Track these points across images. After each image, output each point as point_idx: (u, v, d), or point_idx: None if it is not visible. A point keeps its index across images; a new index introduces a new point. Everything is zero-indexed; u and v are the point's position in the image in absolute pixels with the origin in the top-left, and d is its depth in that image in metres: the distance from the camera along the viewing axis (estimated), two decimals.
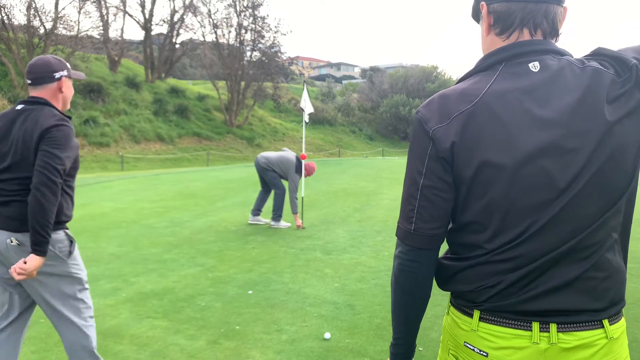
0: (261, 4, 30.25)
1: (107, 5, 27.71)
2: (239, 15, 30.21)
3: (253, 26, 30.33)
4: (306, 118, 7.54)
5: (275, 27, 33.79)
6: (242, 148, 28.34)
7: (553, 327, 0.97)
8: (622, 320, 1.03)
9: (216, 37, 30.38)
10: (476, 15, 1.11)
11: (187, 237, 6.25)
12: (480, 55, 1.11)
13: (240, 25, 30.27)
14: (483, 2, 1.06)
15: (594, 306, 0.98)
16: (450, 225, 1.08)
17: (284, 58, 34.48)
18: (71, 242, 2.31)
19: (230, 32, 31.31)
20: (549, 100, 0.96)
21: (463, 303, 1.07)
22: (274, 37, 30.75)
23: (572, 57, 1.03)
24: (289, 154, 6.94)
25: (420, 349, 3.11)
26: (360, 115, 41.27)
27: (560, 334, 0.97)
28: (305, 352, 3.06)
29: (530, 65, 1.00)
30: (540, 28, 1.02)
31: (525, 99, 0.97)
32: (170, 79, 33.39)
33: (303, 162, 6.87)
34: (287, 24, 48.07)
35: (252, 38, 30.52)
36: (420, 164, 1.02)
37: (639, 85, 0.96)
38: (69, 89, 2.27)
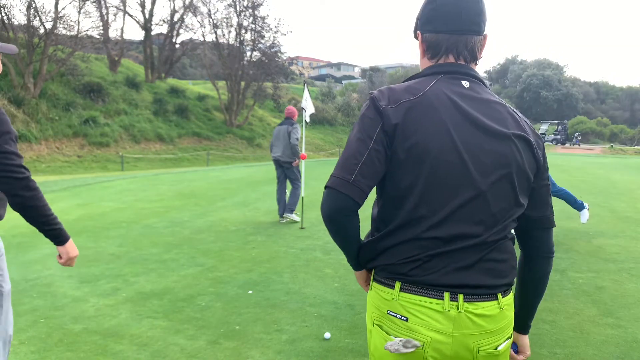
0: (261, 4, 30.24)
1: (107, 5, 27.73)
2: (239, 15, 30.22)
3: (253, 26, 30.33)
4: (307, 118, 7.54)
5: (275, 27, 33.71)
6: (242, 148, 28.34)
7: (460, 297, 1.17)
8: (511, 294, 1.28)
9: (216, 37, 30.39)
10: (415, 37, 1.35)
11: (187, 237, 6.25)
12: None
13: (240, 25, 30.27)
14: (419, 32, 1.31)
15: (491, 283, 1.20)
16: (380, 202, 1.28)
17: (284, 58, 34.46)
18: None
19: (230, 32, 31.29)
20: (478, 109, 1.21)
21: (385, 275, 1.24)
22: (274, 37, 30.76)
23: (487, 82, 1.30)
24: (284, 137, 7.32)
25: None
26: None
27: (466, 304, 1.18)
28: (305, 352, 3.06)
29: (462, 81, 1.24)
30: (462, 55, 1.26)
31: (460, 102, 1.20)
32: (170, 79, 33.40)
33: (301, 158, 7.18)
34: (287, 24, 47.99)
35: (252, 38, 30.51)
36: (372, 131, 1.19)
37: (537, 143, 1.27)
38: None
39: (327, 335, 3.26)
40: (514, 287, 1.33)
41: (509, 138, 1.20)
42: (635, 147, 37.35)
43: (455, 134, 1.16)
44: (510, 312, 1.26)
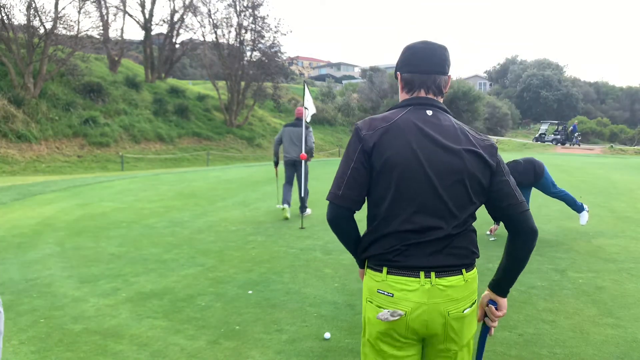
0: (261, 4, 30.19)
1: (107, 5, 27.70)
2: (239, 15, 30.18)
3: (253, 26, 30.29)
4: (308, 118, 7.55)
5: (275, 27, 33.65)
6: (242, 148, 28.33)
7: (432, 274, 1.52)
8: (474, 270, 1.61)
9: (216, 37, 30.37)
10: (396, 77, 1.73)
11: (187, 237, 6.25)
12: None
13: (240, 25, 30.24)
14: (398, 72, 1.69)
15: (456, 263, 1.55)
16: (368, 205, 1.63)
17: (284, 58, 34.44)
18: None
19: (230, 32, 31.20)
20: (437, 131, 1.57)
21: (375, 262, 1.58)
22: (274, 37, 30.73)
23: (450, 112, 1.65)
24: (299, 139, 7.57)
25: None
26: (360, 115, 41.24)
27: (437, 279, 1.52)
28: (305, 352, 3.06)
29: (426, 110, 1.61)
30: (430, 90, 1.64)
31: (423, 126, 1.56)
32: (170, 79, 33.36)
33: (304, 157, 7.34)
34: (287, 24, 47.91)
35: (252, 38, 30.48)
36: (353, 154, 1.58)
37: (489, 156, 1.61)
38: None
39: (327, 335, 3.26)
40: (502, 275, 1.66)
41: (459, 152, 1.55)
42: (635, 147, 37.34)
43: (417, 150, 1.53)
44: (473, 284, 1.59)
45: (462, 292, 1.54)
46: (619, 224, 7.08)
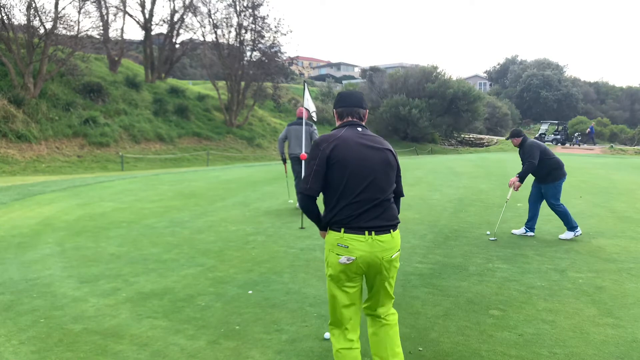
0: (261, 4, 30.15)
1: (107, 5, 27.66)
2: (239, 15, 30.15)
3: (253, 26, 30.26)
4: (314, 116, 7.61)
5: (275, 27, 33.60)
6: (242, 148, 28.32)
7: (373, 233, 2.33)
8: (397, 230, 2.45)
9: (216, 37, 30.34)
10: (332, 112, 2.65)
11: (187, 237, 6.24)
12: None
13: (240, 25, 30.21)
14: (334, 109, 2.60)
15: (387, 224, 2.38)
16: (326, 193, 2.43)
17: (284, 58, 34.41)
18: None
19: (230, 32, 31.12)
20: (368, 139, 2.45)
21: (336, 226, 2.37)
22: (274, 37, 30.71)
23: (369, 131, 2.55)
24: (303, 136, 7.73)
25: (420, 349, 3.11)
26: None
27: (375, 235, 2.34)
28: (305, 352, 3.06)
29: (357, 128, 2.50)
30: (355, 117, 2.56)
31: (358, 138, 2.43)
32: (170, 79, 33.32)
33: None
34: (287, 24, 47.84)
35: (252, 38, 30.46)
36: (315, 160, 2.39)
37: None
38: None
39: (327, 335, 3.26)
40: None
41: (384, 150, 2.45)
42: (635, 147, 37.32)
43: (358, 152, 2.38)
44: (397, 239, 2.42)
45: (391, 244, 2.37)
46: (619, 224, 7.08)
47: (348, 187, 2.33)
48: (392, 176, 2.44)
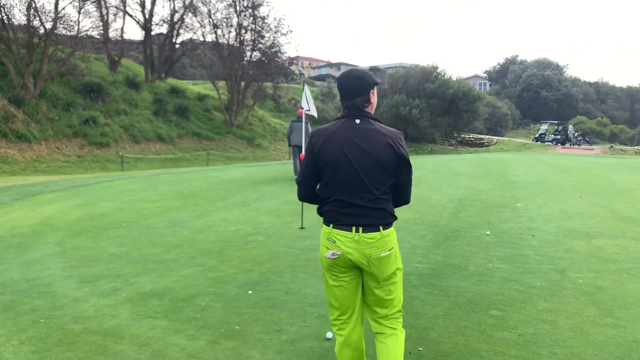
0: (261, 4, 30.21)
1: (107, 5, 27.69)
2: (239, 15, 30.18)
3: (253, 26, 30.30)
4: (315, 114, 7.66)
5: (275, 27, 33.61)
6: (242, 148, 28.33)
7: (360, 229, 2.29)
8: (392, 228, 2.38)
9: (216, 37, 30.36)
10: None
11: (187, 237, 6.24)
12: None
13: (240, 25, 30.24)
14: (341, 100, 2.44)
15: (375, 222, 2.31)
16: (320, 186, 2.43)
17: (284, 58, 34.43)
18: None
19: (230, 32, 31.15)
20: (362, 136, 2.31)
21: (326, 221, 2.38)
22: (274, 37, 30.73)
23: (376, 120, 2.39)
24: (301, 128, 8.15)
25: (420, 349, 3.11)
26: None
27: (363, 233, 2.29)
28: (305, 352, 3.06)
29: (355, 120, 2.35)
30: (353, 109, 2.36)
31: (350, 134, 2.31)
32: (170, 79, 33.33)
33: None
34: (287, 24, 47.85)
35: (252, 38, 30.49)
36: (308, 154, 2.38)
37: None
38: None
39: (329, 335, 3.26)
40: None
41: (374, 149, 2.29)
42: (635, 147, 37.33)
43: (346, 150, 2.29)
44: (388, 237, 2.33)
45: (380, 242, 2.31)
46: (619, 224, 7.08)
47: (335, 184, 2.31)
48: (382, 176, 2.30)
